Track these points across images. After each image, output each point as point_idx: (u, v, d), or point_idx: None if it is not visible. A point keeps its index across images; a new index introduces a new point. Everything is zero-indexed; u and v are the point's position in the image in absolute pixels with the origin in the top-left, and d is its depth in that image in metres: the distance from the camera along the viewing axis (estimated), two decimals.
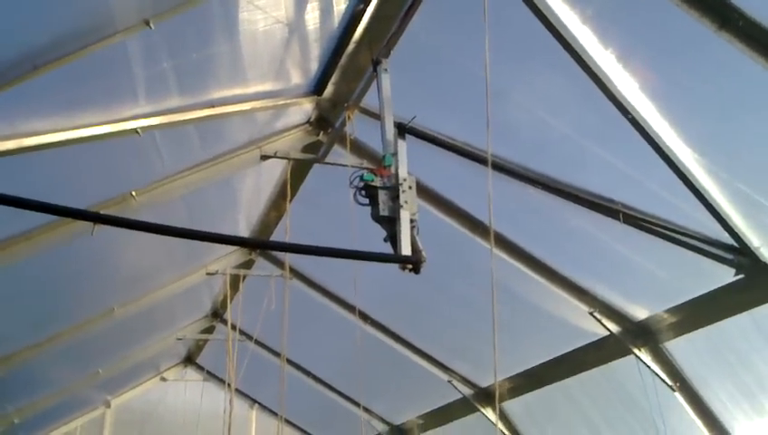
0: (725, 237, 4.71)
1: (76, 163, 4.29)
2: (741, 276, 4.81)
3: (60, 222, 4.78)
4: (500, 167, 5.05)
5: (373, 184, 3.97)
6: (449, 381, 7.88)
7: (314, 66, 5.04)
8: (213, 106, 4.56)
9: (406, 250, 3.80)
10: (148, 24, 3.29)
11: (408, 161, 4.64)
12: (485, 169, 4.85)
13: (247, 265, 8.01)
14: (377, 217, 3.95)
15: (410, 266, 3.84)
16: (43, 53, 3.16)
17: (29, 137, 3.72)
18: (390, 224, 3.94)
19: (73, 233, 4.88)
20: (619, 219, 4.83)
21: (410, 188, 3.99)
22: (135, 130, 4.14)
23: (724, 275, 4.92)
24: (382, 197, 3.96)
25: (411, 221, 3.93)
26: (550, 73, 4.49)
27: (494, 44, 4.22)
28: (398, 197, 3.92)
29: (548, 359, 6.83)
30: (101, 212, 4.66)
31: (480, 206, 5.47)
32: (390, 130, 4.25)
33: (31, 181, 4.08)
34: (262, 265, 8.03)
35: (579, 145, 4.85)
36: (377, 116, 4.49)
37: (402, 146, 4.18)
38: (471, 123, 5.00)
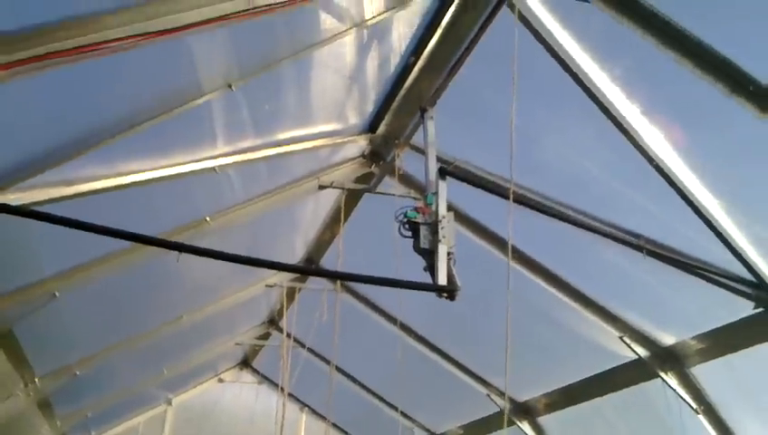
0: (746, 274, 5.08)
1: (163, 196, 4.96)
2: (760, 309, 5.16)
3: (138, 245, 5.47)
4: (526, 202, 5.46)
5: (416, 220, 4.48)
6: (487, 395, 8.31)
7: (370, 108, 5.63)
8: (280, 145, 5.17)
9: (442, 280, 4.28)
10: (230, 87, 3.89)
11: (456, 196, 5.24)
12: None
13: (302, 278, 8.60)
14: (418, 250, 4.45)
15: (446, 294, 4.35)
16: (139, 114, 3.80)
17: (125, 175, 4.40)
18: (430, 256, 4.44)
19: (153, 254, 5.55)
20: (642, 253, 5.23)
21: (449, 224, 4.48)
22: (213, 169, 4.79)
23: (746, 308, 5.27)
24: (423, 231, 4.45)
25: (448, 254, 4.42)
26: (582, 123, 4.94)
27: (531, 96, 4.77)
28: (437, 232, 4.41)
29: (581, 378, 7.20)
30: (181, 235, 5.35)
31: (517, 235, 5.97)
32: (433, 172, 4.73)
33: (126, 212, 4.77)
34: (315, 280, 8.62)
35: (609, 186, 5.30)
36: (423, 151, 5.01)
37: (443, 187, 4.66)
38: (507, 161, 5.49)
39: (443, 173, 4.72)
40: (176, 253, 4.02)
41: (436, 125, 4.98)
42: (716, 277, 5.25)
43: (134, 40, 3.10)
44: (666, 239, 5.35)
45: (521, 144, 4.58)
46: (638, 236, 5.35)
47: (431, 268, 4.49)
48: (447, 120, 5.19)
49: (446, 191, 4.68)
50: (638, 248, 5.26)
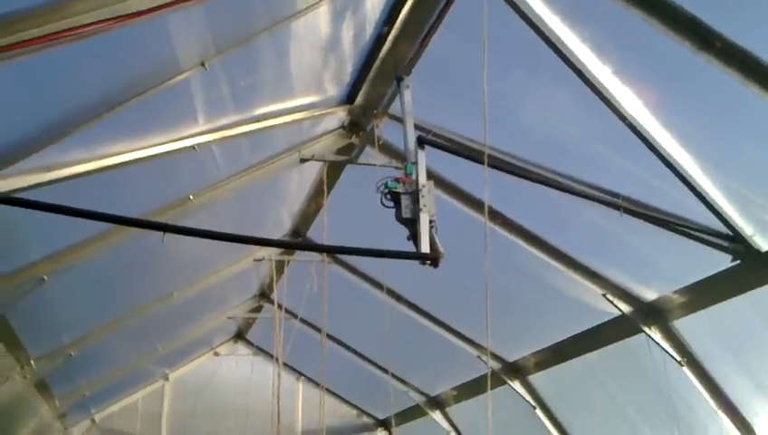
0: (722, 227, 5.18)
1: (144, 177, 5.00)
2: (737, 262, 5.27)
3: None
4: (502, 167, 5.52)
5: (397, 190, 4.54)
6: (478, 356, 8.47)
7: (347, 79, 5.63)
8: (259, 120, 5.19)
9: (425, 248, 4.37)
10: (203, 65, 3.91)
11: (436, 163, 5.34)
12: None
13: (290, 251, 8.69)
14: (400, 219, 4.53)
15: (429, 262, 4.44)
16: (116, 95, 3.82)
17: (105, 158, 4.43)
18: (412, 225, 4.52)
19: (138, 234, 5.60)
20: (620, 212, 5.32)
21: (429, 192, 4.55)
22: (192, 147, 4.81)
23: (724, 261, 5.38)
24: (405, 201, 4.53)
25: (430, 222, 4.49)
26: (557, 86, 4.97)
27: (506, 60, 4.82)
28: (418, 201, 4.48)
29: (568, 336, 7.36)
30: (165, 215, 5.39)
31: (497, 199, 6.07)
32: (412, 141, 4.79)
33: (108, 194, 4.81)
34: (303, 251, 8.71)
35: (586, 147, 5.37)
36: (401, 120, 5.05)
37: (422, 156, 4.72)
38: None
39: (421, 142, 4.77)
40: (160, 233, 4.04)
41: (414, 93, 5.03)
42: (694, 232, 5.34)
43: (106, 24, 3.10)
44: (643, 197, 5.42)
45: (498, 109, 4.66)
46: (616, 195, 5.43)
47: (414, 237, 4.58)
48: (425, 88, 5.23)
49: (424, 160, 4.74)
50: (616, 207, 5.33)
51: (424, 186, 4.54)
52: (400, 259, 4.54)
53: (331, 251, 5.71)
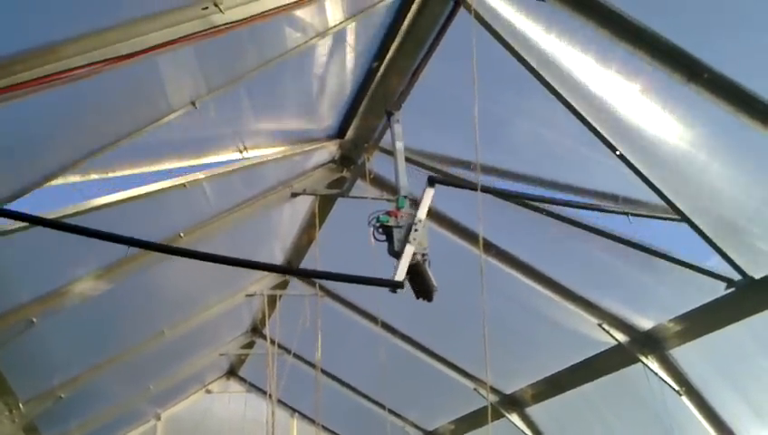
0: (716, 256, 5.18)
1: (133, 215, 4.96)
2: (732, 290, 5.26)
3: (116, 265, 5.48)
4: (494, 192, 5.62)
5: (388, 224, 4.51)
6: (474, 389, 8.38)
7: (337, 114, 5.66)
8: (249, 158, 5.19)
9: (400, 277, 4.28)
10: (193, 104, 3.91)
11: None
12: (498, 201, 5.52)
13: (282, 285, 8.61)
14: (392, 253, 4.49)
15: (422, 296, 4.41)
16: (103, 137, 3.81)
17: (93, 199, 4.41)
18: None
19: (127, 272, 5.55)
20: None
21: (423, 228, 4.52)
22: (183, 184, 4.79)
23: (718, 289, 5.37)
24: (396, 235, 4.48)
25: (423, 256, 4.45)
26: (548, 105, 4.98)
27: (496, 83, 4.83)
28: (409, 234, 4.44)
29: (565, 367, 7.29)
30: (154, 254, 5.34)
31: (491, 230, 6.07)
32: (403, 175, 4.76)
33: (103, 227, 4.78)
34: (295, 286, 8.64)
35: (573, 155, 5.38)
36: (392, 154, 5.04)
37: (429, 194, 4.68)
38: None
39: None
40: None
41: (406, 122, 5.02)
42: (687, 261, 5.35)
43: (97, 66, 3.09)
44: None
45: (490, 129, 4.67)
46: (615, 197, 5.42)
47: (409, 271, 4.54)
48: (416, 115, 5.22)
49: (430, 198, 4.72)
50: (624, 213, 5.34)
51: (420, 220, 4.51)
52: (374, 286, 4.45)
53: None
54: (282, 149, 5.54)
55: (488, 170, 5.66)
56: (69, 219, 4.42)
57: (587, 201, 5.51)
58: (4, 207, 3.73)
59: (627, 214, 5.36)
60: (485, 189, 5.80)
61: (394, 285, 4.26)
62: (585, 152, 5.28)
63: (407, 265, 4.34)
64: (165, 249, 4.42)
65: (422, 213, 4.57)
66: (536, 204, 5.80)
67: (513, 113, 5.30)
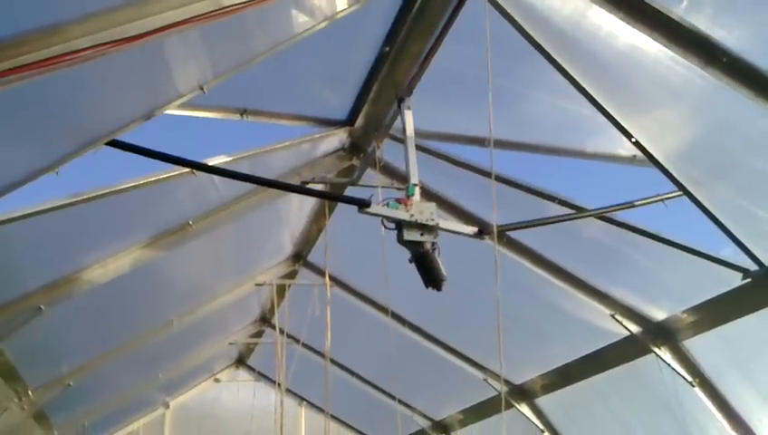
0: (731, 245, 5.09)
1: (142, 203, 4.93)
2: (748, 280, 5.17)
3: (123, 253, 5.46)
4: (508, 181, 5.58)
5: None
6: (484, 379, 8.33)
7: (347, 100, 5.58)
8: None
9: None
10: (202, 89, 3.85)
11: (439, 183, 5.30)
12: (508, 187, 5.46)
13: (291, 275, 8.59)
14: (402, 241, 4.44)
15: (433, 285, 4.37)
16: (114, 122, 3.75)
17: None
18: (414, 247, 4.43)
19: (137, 260, 5.52)
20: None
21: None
22: (191, 172, 4.74)
23: (734, 279, 5.29)
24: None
25: (432, 244, 4.40)
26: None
27: (509, 60, 4.73)
28: (419, 225, 4.38)
29: (576, 358, 7.22)
30: (165, 241, 5.32)
31: (499, 219, 5.98)
32: (413, 162, 4.71)
33: (107, 219, 4.76)
34: (305, 275, 8.61)
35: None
36: (402, 141, 4.97)
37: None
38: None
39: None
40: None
41: (418, 102, 4.93)
42: (702, 250, 5.27)
43: (103, 48, 3.03)
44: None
45: (506, 104, 4.61)
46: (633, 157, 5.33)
47: (416, 260, 4.49)
48: (428, 95, 5.12)
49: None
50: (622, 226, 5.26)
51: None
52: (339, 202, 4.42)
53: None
54: (291, 136, 5.49)
55: (504, 144, 5.58)
56: (78, 206, 4.40)
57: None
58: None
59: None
60: (499, 179, 5.79)
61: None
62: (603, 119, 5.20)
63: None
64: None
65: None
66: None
67: (529, 87, 5.23)
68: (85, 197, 4.36)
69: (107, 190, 4.43)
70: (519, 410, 8.30)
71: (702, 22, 3.75)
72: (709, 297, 5.58)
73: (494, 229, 4.28)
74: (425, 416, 10.56)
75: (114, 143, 3.68)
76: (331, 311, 7.23)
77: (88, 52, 2.92)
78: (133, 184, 4.55)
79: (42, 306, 5.20)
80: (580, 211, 5.58)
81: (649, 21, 3.83)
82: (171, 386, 11.14)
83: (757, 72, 3.76)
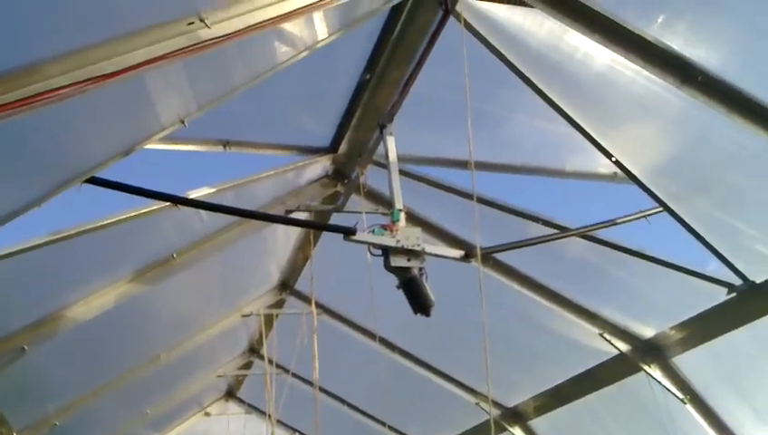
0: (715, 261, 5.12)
1: (125, 237, 4.89)
2: (733, 295, 5.20)
3: (107, 289, 5.41)
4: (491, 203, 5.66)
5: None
6: (476, 404, 8.28)
7: (329, 128, 5.61)
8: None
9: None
10: (183, 122, 3.84)
11: (423, 206, 5.34)
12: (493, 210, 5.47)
13: (279, 304, 8.53)
14: (388, 268, 4.43)
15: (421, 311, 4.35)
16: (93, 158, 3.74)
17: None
18: (401, 273, 4.42)
19: (121, 296, 5.47)
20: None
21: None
22: (175, 205, 4.72)
23: (720, 294, 5.31)
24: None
25: (420, 269, 4.40)
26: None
27: (488, 85, 4.77)
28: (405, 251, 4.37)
29: (567, 378, 7.20)
30: (150, 273, 5.29)
31: (485, 242, 5.99)
32: (397, 188, 4.72)
33: (90, 255, 4.72)
34: (292, 304, 8.54)
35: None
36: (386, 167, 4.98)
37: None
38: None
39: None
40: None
41: (399, 128, 4.95)
42: (687, 266, 5.30)
43: (82, 85, 3.02)
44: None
45: (486, 127, 4.63)
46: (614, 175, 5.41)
47: (404, 286, 4.47)
48: (409, 120, 5.15)
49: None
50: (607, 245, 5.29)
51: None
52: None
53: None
54: (274, 166, 5.50)
55: (486, 166, 5.62)
56: (60, 243, 4.36)
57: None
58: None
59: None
60: (482, 200, 5.82)
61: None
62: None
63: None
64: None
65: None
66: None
67: (509, 110, 5.28)
68: (67, 234, 4.34)
69: (89, 226, 4.41)
70: (512, 434, 8.24)
71: (676, 42, 3.81)
72: (696, 313, 5.61)
73: (478, 251, 4.28)
74: None
75: (94, 180, 3.66)
76: (321, 339, 7.17)
77: (66, 90, 2.91)
78: (115, 219, 4.52)
79: (25, 346, 5.12)
80: (563, 231, 5.59)
81: (625, 42, 3.89)
82: (160, 421, 10.93)
83: (732, 89, 3.82)
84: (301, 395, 9.49)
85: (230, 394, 12.13)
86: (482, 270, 6.33)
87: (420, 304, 4.47)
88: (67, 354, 6.20)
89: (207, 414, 12.09)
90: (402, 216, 4.56)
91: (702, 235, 4.82)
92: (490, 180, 5.98)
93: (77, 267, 5.05)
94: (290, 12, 3.49)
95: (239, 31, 3.40)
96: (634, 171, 4.61)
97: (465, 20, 4.10)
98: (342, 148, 5.75)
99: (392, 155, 4.82)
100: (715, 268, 5.18)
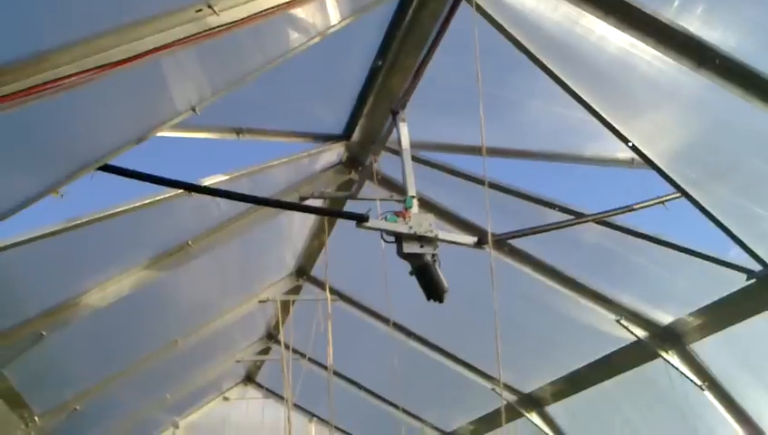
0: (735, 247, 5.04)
1: (140, 224, 4.92)
2: (753, 281, 5.12)
3: (123, 275, 5.45)
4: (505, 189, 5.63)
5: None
6: (492, 389, 8.27)
7: (342, 115, 5.58)
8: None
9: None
10: (194, 110, 3.84)
11: (434, 191, 5.28)
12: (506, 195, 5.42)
13: (295, 290, 8.56)
14: (401, 254, 4.42)
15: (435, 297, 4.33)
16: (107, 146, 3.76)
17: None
18: (414, 259, 4.40)
19: (137, 282, 5.52)
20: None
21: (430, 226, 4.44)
22: (187, 193, 4.74)
23: (738, 280, 5.23)
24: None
25: (432, 256, 4.38)
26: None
27: (503, 70, 4.71)
28: (418, 236, 4.36)
29: (584, 364, 7.16)
30: (163, 262, 5.32)
31: (500, 226, 5.96)
32: (410, 174, 4.70)
33: (106, 242, 4.76)
34: (309, 290, 8.58)
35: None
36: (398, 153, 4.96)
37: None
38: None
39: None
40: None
41: (413, 115, 4.92)
42: (706, 252, 5.22)
43: (91, 73, 3.03)
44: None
45: (501, 113, 4.55)
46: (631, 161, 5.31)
47: (417, 272, 4.46)
48: (423, 107, 5.11)
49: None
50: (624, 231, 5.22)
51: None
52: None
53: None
54: (288, 153, 5.50)
55: (501, 152, 5.58)
56: (74, 230, 4.40)
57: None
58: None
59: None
60: (496, 186, 5.77)
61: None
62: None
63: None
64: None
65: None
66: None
67: (524, 95, 5.21)
68: (83, 221, 4.37)
69: (104, 214, 4.44)
70: (529, 419, 8.23)
71: (693, 24, 3.73)
72: (714, 299, 5.53)
73: (489, 237, 4.24)
74: (435, 428, 10.48)
75: (107, 168, 3.68)
76: (337, 325, 7.19)
77: (73, 78, 2.92)
78: (131, 206, 4.55)
79: (43, 332, 5.19)
80: (579, 217, 5.53)
81: (640, 25, 3.82)
82: (180, 406, 11.08)
83: (750, 72, 3.74)
84: (318, 380, 9.54)
85: (249, 379, 12.26)
86: (494, 256, 6.36)
87: (433, 290, 4.46)
88: (85, 340, 6.28)
89: (227, 399, 12.23)
90: (415, 202, 4.55)
91: (720, 220, 4.73)
92: (506, 167, 5.94)
93: (93, 254, 5.09)
94: None
95: (248, 17, 3.38)
96: (651, 157, 4.52)
97: (476, 3, 4.04)
98: (356, 135, 5.73)
99: (405, 141, 4.80)
100: (734, 254, 5.11)
